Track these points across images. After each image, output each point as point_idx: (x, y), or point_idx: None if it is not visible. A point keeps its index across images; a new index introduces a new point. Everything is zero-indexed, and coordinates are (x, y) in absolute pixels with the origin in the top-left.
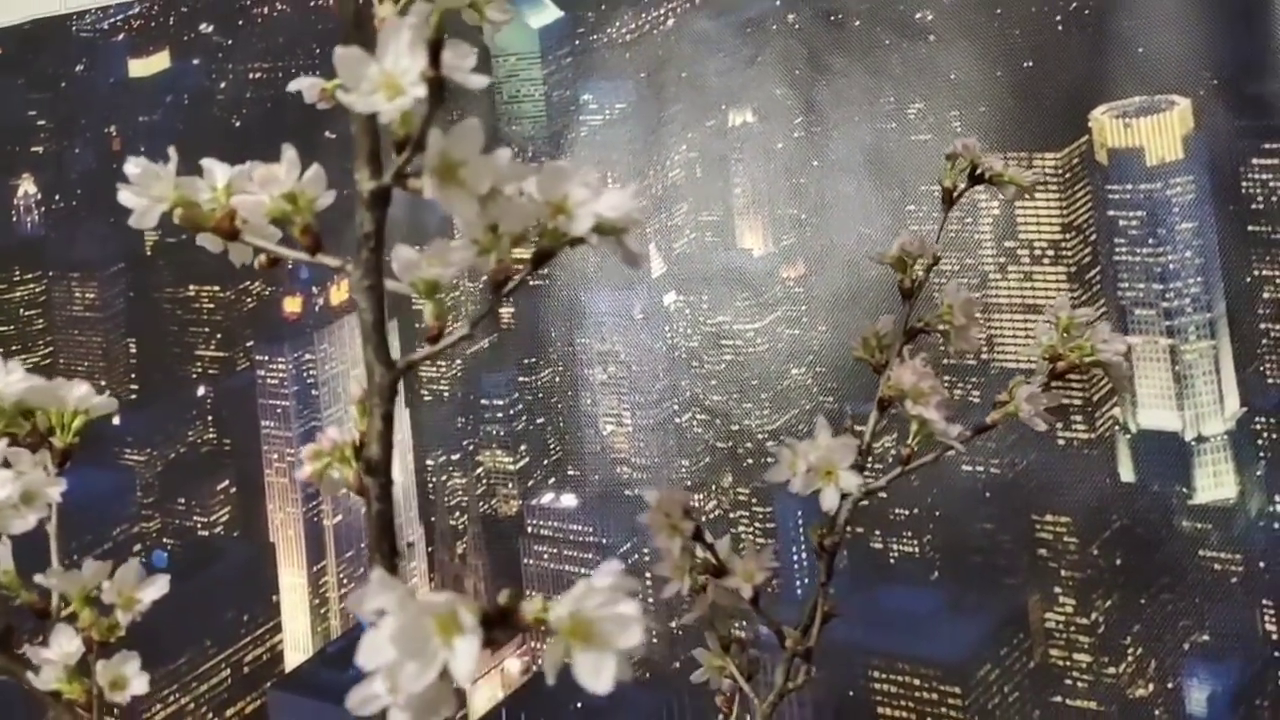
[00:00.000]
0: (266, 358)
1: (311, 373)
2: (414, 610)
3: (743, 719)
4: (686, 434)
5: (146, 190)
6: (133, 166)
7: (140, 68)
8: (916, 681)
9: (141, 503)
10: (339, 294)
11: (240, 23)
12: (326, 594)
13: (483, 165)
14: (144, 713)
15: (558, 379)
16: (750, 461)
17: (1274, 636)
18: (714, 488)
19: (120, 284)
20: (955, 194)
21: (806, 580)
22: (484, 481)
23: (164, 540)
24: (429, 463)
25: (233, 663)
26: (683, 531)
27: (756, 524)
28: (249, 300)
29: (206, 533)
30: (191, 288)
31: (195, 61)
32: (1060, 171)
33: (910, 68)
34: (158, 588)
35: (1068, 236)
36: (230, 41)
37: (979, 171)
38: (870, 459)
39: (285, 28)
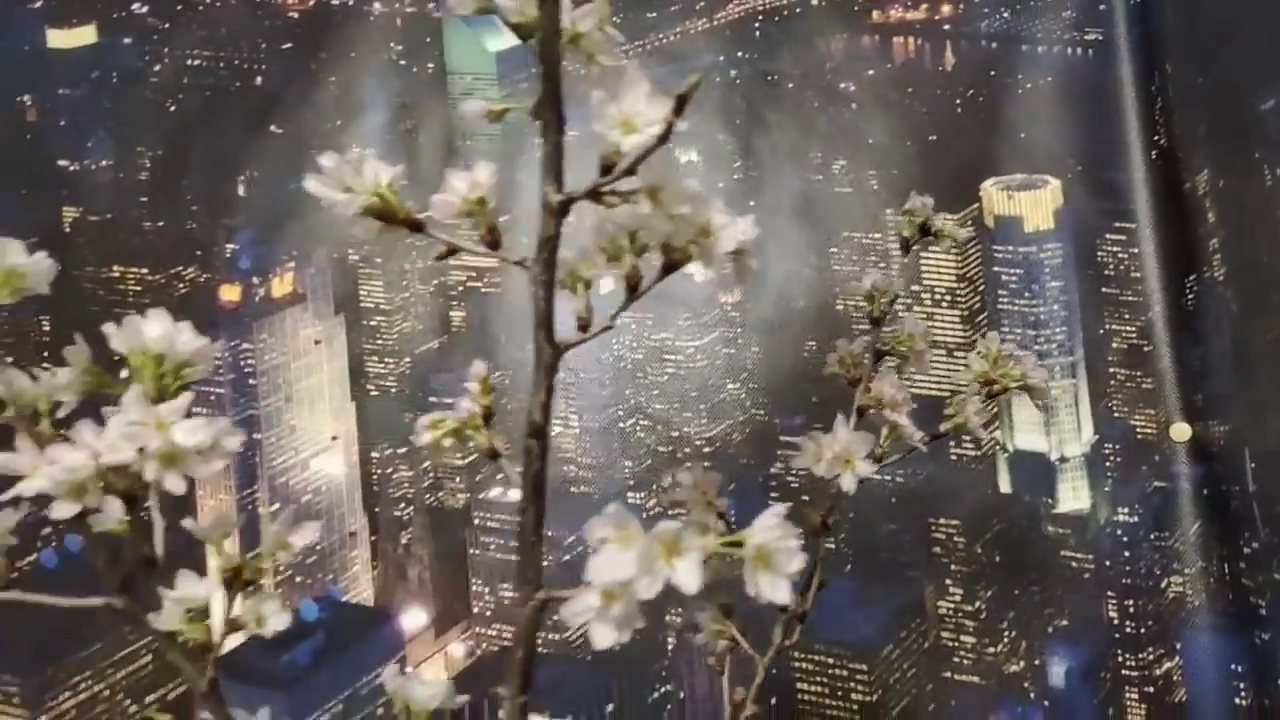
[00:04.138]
0: None
1: (250, 362)
2: (649, 537)
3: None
4: (630, 438)
5: (338, 184)
6: (328, 160)
7: (61, 39)
8: (830, 660)
9: None
10: (281, 286)
11: (178, 7)
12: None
13: (679, 190)
14: (54, 701)
15: (507, 381)
16: (689, 465)
17: (1115, 622)
18: (654, 487)
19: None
20: (912, 242)
21: None
22: (431, 475)
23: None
24: (374, 455)
25: (154, 648)
26: (717, 507)
27: None
28: (180, 285)
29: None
30: (116, 268)
31: (126, 41)
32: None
33: (835, 129)
34: (308, 533)
35: (961, 285)
36: (166, 25)
37: (927, 225)
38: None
39: (229, 20)
